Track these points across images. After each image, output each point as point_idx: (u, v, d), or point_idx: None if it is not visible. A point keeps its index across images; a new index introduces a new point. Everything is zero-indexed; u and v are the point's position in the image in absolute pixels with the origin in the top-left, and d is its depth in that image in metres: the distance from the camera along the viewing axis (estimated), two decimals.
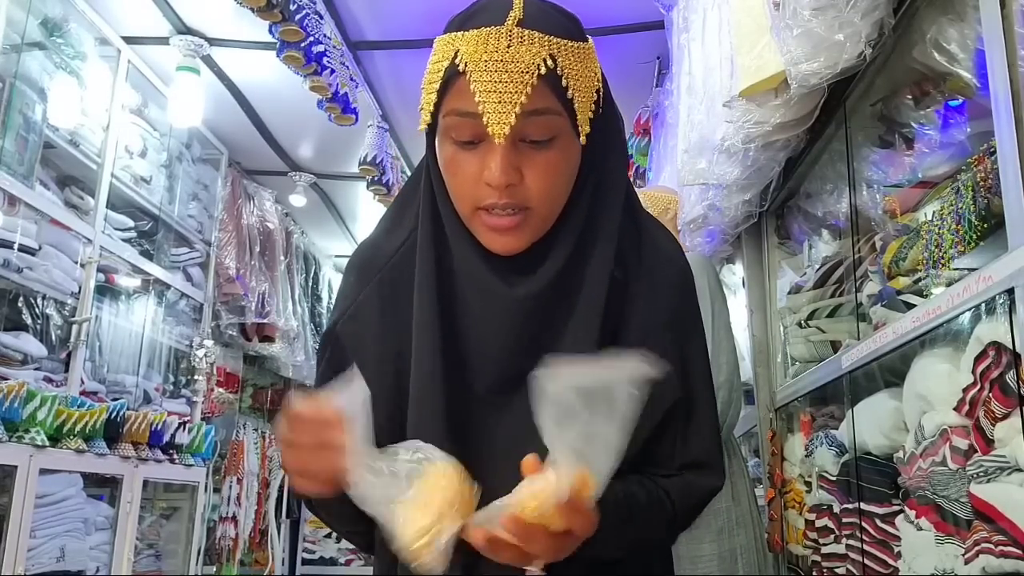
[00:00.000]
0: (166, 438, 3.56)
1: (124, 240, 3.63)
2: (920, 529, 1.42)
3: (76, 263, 3.14)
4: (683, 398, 0.88)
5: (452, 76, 0.80)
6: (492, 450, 0.84)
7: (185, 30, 3.42)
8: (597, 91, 0.85)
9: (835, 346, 2.07)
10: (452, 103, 0.81)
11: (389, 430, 0.84)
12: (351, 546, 4.20)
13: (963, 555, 1.25)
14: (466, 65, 0.78)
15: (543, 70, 0.78)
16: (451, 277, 0.87)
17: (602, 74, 0.88)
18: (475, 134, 0.81)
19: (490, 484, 0.78)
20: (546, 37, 0.80)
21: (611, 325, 0.87)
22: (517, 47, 0.78)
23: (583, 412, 0.69)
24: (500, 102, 0.77)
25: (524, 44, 0.78)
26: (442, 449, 0.79)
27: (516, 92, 0.77)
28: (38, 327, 2.96)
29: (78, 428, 2.89)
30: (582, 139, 0.83)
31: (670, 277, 0.93)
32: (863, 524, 1.70)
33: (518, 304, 0.85)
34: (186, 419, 3.91)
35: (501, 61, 0.78)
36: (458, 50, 0.79)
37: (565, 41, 0.81)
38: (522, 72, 0.78)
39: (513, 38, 0.78)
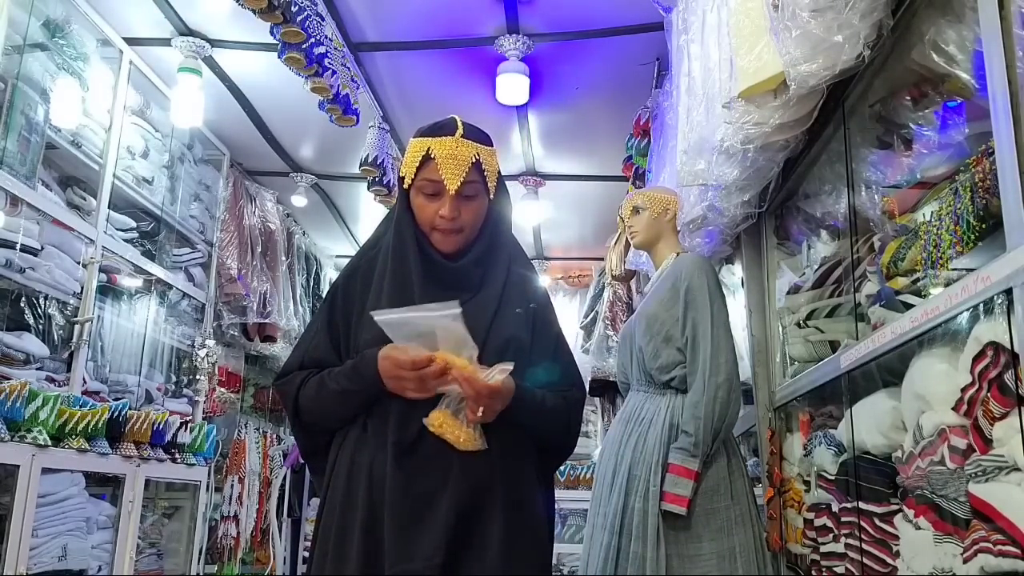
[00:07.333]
0: (168, 437, 3.56)
1: (126, 240, 3.64)
2: (919, 528, 1.43)
3: (78, 263, 3.15)
4: (549, 346, 1.56)
5: (426, 160, 1.48)
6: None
7: (187, 31, 3.43)
8: (498, 172, 1.54)
9: (834, 346, 2.07)
10: (425, 175, 1.48)
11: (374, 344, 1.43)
12: None
13: (961, 554, 1.26)
14: (435, 155, 1.47)
15: (473, 160, 1.48)
16: (409, 256, 1.50)
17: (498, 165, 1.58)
18: (436, 191, 1.48)
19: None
20: (475, 144, 1.49)
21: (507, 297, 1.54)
22: (462, 148, 1.48)
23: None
24: (453, 175, 1.46)
25: (465, 147, 1.48)
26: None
27: (461, 171, 1.46)
28: (40, 327, 2.97)
29: (80, 427, 2.90)
30: (490, 196, 1.53)
31: (530, 282, 1.61)
32: (862, 523, 1.71)
33: (451, 270, 1.51)
34: (188, 418, 3.92)
35: (453, 156, 1.46)
36: (429, 147, 1.47)
37: (484, 146, 1.51)
38: (464, 161, 1.47)
39: (459, 144, 1.48)
